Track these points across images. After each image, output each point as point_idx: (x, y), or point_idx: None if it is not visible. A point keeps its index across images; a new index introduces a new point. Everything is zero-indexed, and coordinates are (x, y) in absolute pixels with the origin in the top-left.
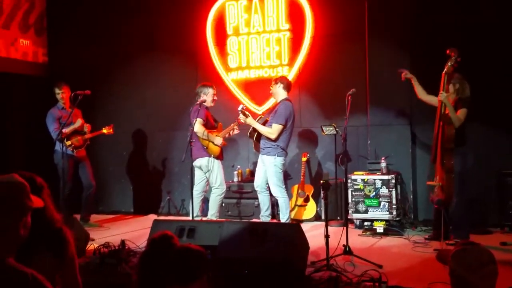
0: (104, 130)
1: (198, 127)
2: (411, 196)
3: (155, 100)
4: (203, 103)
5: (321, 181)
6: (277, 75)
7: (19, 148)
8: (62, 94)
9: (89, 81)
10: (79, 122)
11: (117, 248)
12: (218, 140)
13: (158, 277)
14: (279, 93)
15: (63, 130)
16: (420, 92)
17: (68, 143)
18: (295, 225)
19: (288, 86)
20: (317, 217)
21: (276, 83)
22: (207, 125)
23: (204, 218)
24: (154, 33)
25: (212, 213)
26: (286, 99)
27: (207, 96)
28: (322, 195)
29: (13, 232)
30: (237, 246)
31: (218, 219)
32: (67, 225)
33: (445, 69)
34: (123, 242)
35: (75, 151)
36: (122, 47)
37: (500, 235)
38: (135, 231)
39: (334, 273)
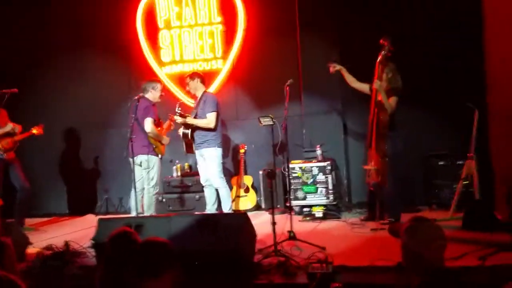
0: (34, 131)
1: (150, 127)
2: (345, 181)
3: (87, 97)
4: (145, 98)
5: (268, 170)
6: (212, 67)
7: None
8: None
9: (13, 78)
10: (9, 126)
11: (60, 250)
12: (166, 140)
13: (125, 273)
14: (198, 87)
15: None
16: (351, 81)
17: None
18: (243, 214)
19: (204, 80)
20: (257, 207)
21: (193, 78)
22: (155, 123)
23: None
24: (83, 26)
25: (150, 212)
26: (206, 91)
27: (156, 91)
28: (267, 183)
29: None
30: (187, 239)
31: (166, 214)
32: (4, 231)
33: (378, 58)
34: (67, 243)
35: (4, 154)
36: (48, 42)
37: (429, 213)
38: (75, 232)
39: (282, 258)
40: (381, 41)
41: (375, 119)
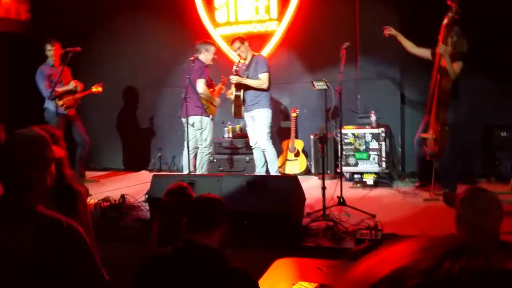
0: (94, 89)
1: (203, 88)
2: (399, 149)
3: (142, 57)
4: (199, 59)
5: (319, 135)
6: (266, 29)
7: (2, 107)
8: (53, 51)
9: (73, 38)
10: (72, 84)
11: (117, 202)
12: (218, 101)
13: (180, 225)
14: (248, 50)
15: (56, 89)
16: (409, 46)
17: (60, 103)
18: (293, 177)
19: (251, 44)
20: (307, 171)
21: (243, 42)
22: (207, 84)
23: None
24: None
25: (201, 172)
26: (254, 54)
27: (209, 53)
28: (318, 148)
29: (41, 184)
30: (236, 199)
31: (217, 173)
32: (77, 180)
33: (445, 20)
34: (123, 197)
35: (66, 111)
36: (106, 3)
37: (487, 185)
38: (130, 187)
39: (330, 222)
40: (448, 2)
41: (437, 85)
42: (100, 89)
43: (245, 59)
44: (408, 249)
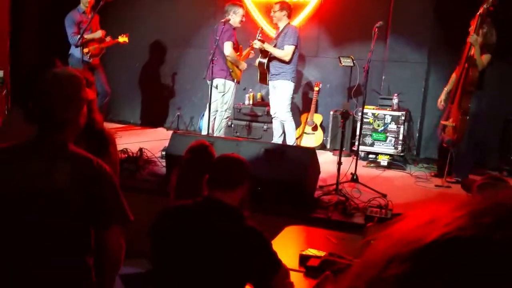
0: (120, 39)
1: (230, 51)
2: (417, 134)
3: (170, 15)
4: (229, 22)
5: (342, 110)
6: (299, 0)
7: (31, 49)
8: None
9: None
10: (99, 33)
11: (135, 155)
12: (244, 65)
13: (199, 181)
14: (283, 19)
15: (84, 36)
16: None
17: (86, 50)
18: (310, 149)
19: (290, 14)
20: (322, 146)
21: (282, 10)
22: (233, 48)
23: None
24: None
25: (218, 134)
26: (289, 23)
27: (237, 15)
28: (339, 124)
29: (75, 122)
30: (253, 164)
31: (236, 137)
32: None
33: (480, 11)
34: (141, 150)
35: (91, 59)
36: None
37: None
38: (147, 142)
39: (342, 197)
40: None
41: (464, 74)
42: (126, 39)
43: (276, 27)
44: (457, 212)
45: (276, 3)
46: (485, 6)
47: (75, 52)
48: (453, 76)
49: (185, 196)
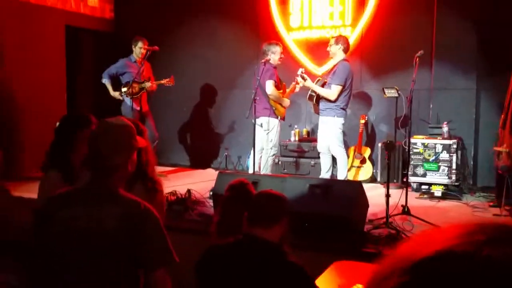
0: (163, 81)
1: (272, 89)
2: (471, 162)
3: (216, 58)
4: (269, 62)
5: (386, 141)
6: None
7: (87, 100)
8: (143, 49)
9: (153, 37)
10: (148, 84)
11: (183, 196)
12: (287, 102)
13: (239, 219)
14: (338, 54)
15: (133, 84)
16: None
17: (124, 89)
18: (357, 182)
19: (347, 49)
20: (372, 179)
21: (337, 44)
22: (275, 85)
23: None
24: None
25: (265, 172)
26: (344, 59)
27: (275, 54)
28: (385, 155)
29: (124, 168)
30: (299, 201)
31: (281, 174)
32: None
33: None
34: (189, 191)
35: (130, 97)
36: (185, 5)
37: None
38: (196, 183)
39: (393, 231)
40: None
41: None
42: (172, 82)
43: (323, 61)
44: (455, 232)
45: (332, 37)
46: None
47: (127, 100)
48: None
49: (226, 234)
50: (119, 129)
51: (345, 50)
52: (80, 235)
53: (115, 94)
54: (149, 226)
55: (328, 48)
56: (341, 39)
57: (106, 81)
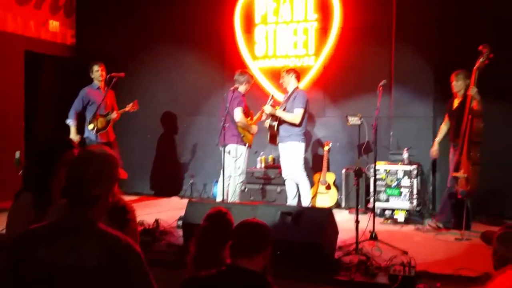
0: (127, 108)
1: (240, 116)
2: (431, 187)
3: (181, 85)
4: (238, 90)
5: (355, 168)
6: (303, 64)
7: (45, 127)
8: (100, 71)
9: (116, 63)
10: (114, 114)
11: (151, 227)
12: (255, 129)
13: (218, 250)
14: (292, 82)
15: (97, 113)
16: None
17: (90, 126)
18: (327, 209)
19: (298, 77)
20: (337, 205)
21: (289, 73)
22: (243, 113)
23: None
24: (183, 20)
25: (233, 200)
26: (297, 87)
27: (248, 84)
28: (353, 182)
29: (105, 200)
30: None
31: (252, 202)
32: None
33: (476, 64)
34: (157, 221)
35: (98, 133)
36: (150, 32)
37: None
38: (162, 212)
39: (363, 257)
40: (480, 47)
41: (469, 125)
42: (136, 106)
43: (285, 91)
44: None
45: (283, 70)
46: (481, 59)
47: (91, 136)
48: (442, 126)
49: (204, 265)
50: (102, 159)
51: (298, 78)
52: (61, 273)
53: (76, 138)
54: (131, 263)
55: (281, 81)
56: (292, 69)
57: (71, 122)
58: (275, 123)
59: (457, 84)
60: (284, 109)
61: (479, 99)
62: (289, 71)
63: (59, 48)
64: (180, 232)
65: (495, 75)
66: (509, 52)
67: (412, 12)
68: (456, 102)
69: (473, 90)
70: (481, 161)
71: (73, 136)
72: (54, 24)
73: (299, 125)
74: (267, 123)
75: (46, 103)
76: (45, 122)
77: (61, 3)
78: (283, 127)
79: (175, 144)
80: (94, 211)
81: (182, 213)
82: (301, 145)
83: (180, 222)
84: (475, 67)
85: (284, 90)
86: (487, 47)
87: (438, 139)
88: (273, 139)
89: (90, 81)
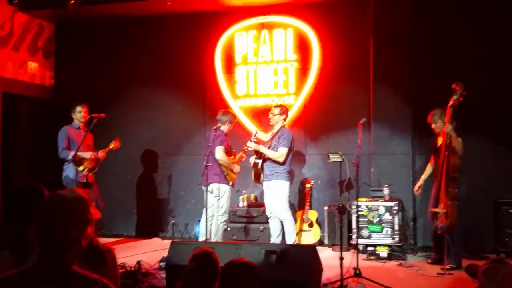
0: (111, 145)
1: (221, 155)
2: (412, 223)
3: (162, 124)
4: (220, 129)
5: (338, 205)
6: (283, 103)
7: (24, 168)
8: (83, 113)
9: (95, 105)
10: (89, 154)
11: (132, 269)
12: (237, 168)
13: None
14: (279, 122)
15: (78, 153)
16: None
17: (81, 168)
18: (312, 247)
19: (286, 117)
20: (320, 242)
21: (282, 114)
22: (226, 152)
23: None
24: (163, 59)
25: (216, 239)
26: (284, 126)
27: (231, 124)
28: (337, 219)
29: (78, 243)
30: None
31: (236, 241)
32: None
33: (450, 102)
34: (139, 263)
35: (89, 173)
36: (130, 72)
37: None
38: (143, 254)
39: None
40: (453, 85)
41: (445, 162)
42: (118, 143)
43: (269, 128)
44: None
45: (276, 106)
46: (455, 97)
47: (70, 173)
48: (428, 166)
49: None
50: (72, 202)
51: (285, 119)
52: None
53: (95, 153)
54: None
55: (270, 115)
56: (285, 110)
57: (69, 156)
58: (260, 161)
59: (437, 125)
60: (269, 147)
61: (455, 136)
62: (282, 111)
63: (37, 89)
64: (162, 274)
65: (472, 112)
66: (483, 88)
67: (388, 51)
68: (440, 140)
69: (448, 128)
70: (459, 197)
71: (89, 155)
72: (32, 66)
73: (283, 163)
74: (252, 159)
75: (23, 144)
76: (23, 165)
77: (40, 45)
78: (267, 165)
79: (155, 184)
80: (68, 255)
81: (164, 254)
82: (286, 184)
83: (162, 264)
84: (449, 105)
85: (266, 129)
86: (460, 85)
87: (424, 176)
88: (257, 178)
89: (69, 121)
